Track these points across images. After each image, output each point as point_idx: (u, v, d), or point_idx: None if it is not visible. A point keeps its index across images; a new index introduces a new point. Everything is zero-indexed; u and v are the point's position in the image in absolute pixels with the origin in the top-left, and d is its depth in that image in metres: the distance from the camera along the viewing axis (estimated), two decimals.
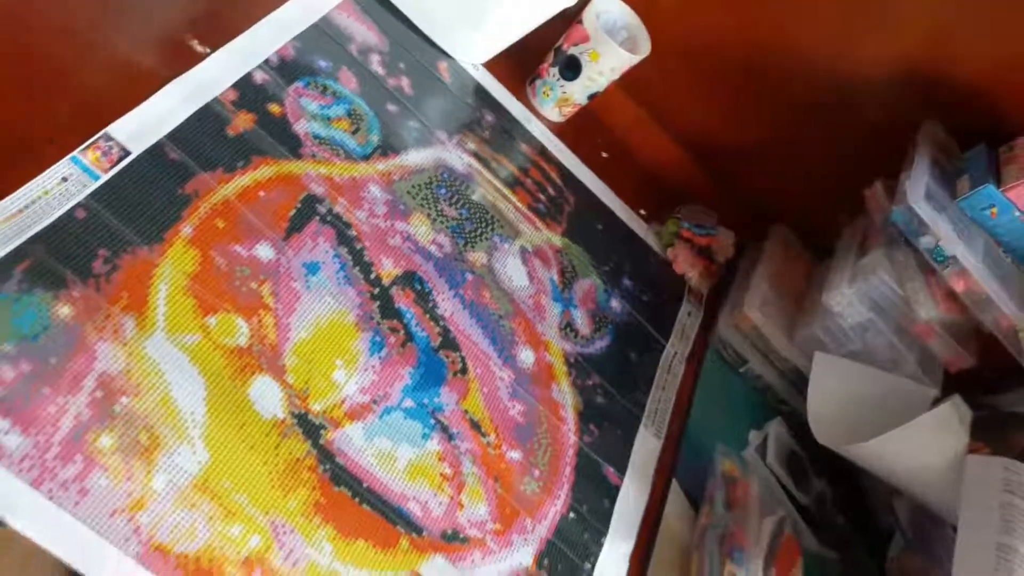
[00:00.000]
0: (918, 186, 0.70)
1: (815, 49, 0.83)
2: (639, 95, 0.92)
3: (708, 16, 0.85)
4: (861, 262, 0.77)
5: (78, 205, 0.51)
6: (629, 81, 0.85)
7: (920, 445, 0.70)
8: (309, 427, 0.54)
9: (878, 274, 0.74)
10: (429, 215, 0.69)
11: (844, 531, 0.81)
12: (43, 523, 0.43)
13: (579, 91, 0.82)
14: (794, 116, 0.89)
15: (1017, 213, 0.69)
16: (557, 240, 0.79)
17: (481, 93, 0.81)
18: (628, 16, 0.81)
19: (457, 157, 0.75)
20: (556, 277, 0.76)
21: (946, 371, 0.78)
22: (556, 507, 0.63)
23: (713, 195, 0.94)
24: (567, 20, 0.80)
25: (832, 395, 0.77)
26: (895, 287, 0.74)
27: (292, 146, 0.63)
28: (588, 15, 0.77)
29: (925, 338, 0.76)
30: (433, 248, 0.68)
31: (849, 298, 0.75)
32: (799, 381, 0.83)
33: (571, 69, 0.80)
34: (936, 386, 0.75)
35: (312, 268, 0.59)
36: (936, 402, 0.74)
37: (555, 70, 0.81)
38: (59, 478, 0.44)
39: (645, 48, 0.79)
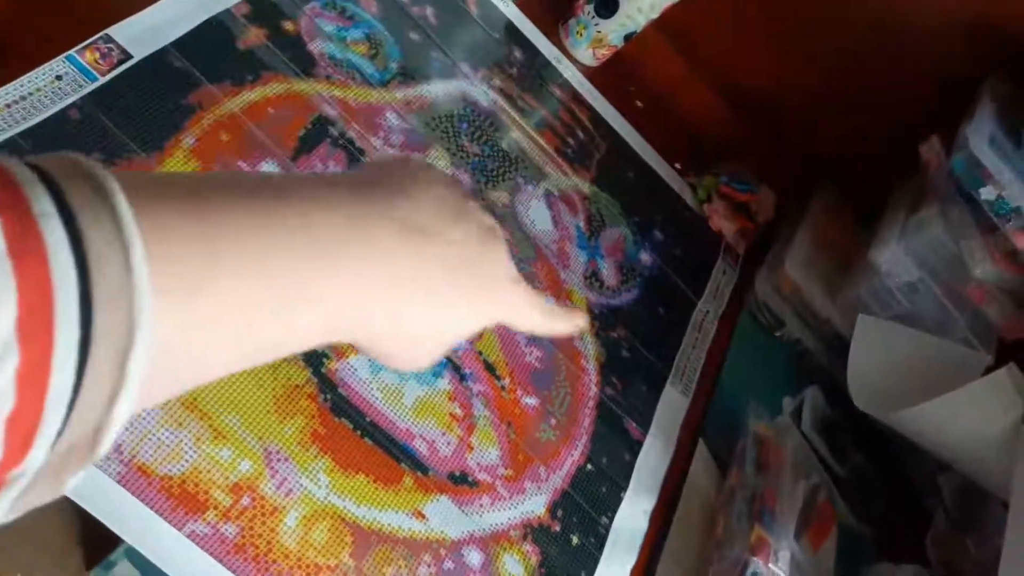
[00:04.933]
0: (981, 132, 0.65)
1: None
2: (678, 42, 0.87)
3: None
4: (913, 217, 0.71)
5: (72, 105, 0.48)
6: (668, 26, 0.80)
7: (971, 413, 0.65)
8: (310, 354, 0.50)
9: (931, 230, 0.68)
10: (449, 149, 0.65)
11: (882, 506, 0.76)
12: None
13: (615, 30, 0.77)
14: (844, 68, 0.83)
15: None
16: (585, 187, 0.74)
17: (510, 29, 0.77)
18: None
19: (482, 92, 0.71)
20: (582, 224, 0.72)
21: (1001, 339, 0.72)
22: (573, 457, 0.59)
23: (754, 152, 0.89)
24: None
25: (875, 360, 0.72)
26: (949, 244, 0.68)
27: (305, 65, 0.59)
28: None
29: (979, 301, 0.70)
30: None
31: (898, 255, 0.70)
32: (839, 347, 0.77)
33: (607, 6, 0.75)
34: (990, 353, 0.70)
35: None
36: (989, 371, 0.68)
37: (590, 7, 0.77)
38: None
39: None
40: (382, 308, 0.28)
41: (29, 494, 0.19)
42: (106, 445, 0.20)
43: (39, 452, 0.18)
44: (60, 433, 0.19)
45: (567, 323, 0.38)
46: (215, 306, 0.22)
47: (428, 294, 0.29)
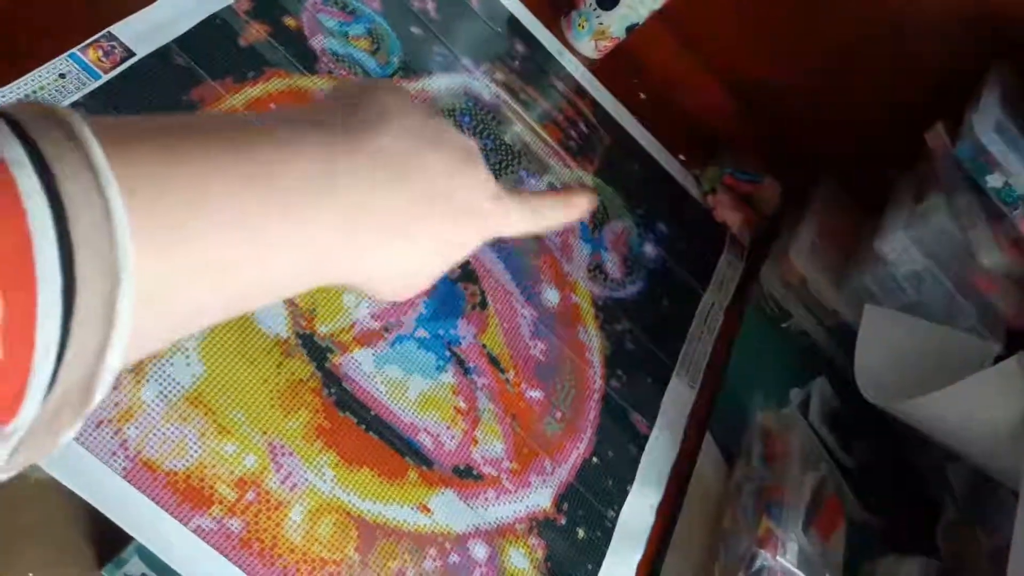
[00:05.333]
0: (987, 119, 0.64)
1: None
2: (682, 33, 0.87)
3: None
4: (919, 206, 0.70)
5: (76, 103, 0.48)
6: (671, 17, 0.80)
7: (981, 402, 0.64)
8: (314, 349, 0.50)
9: (937, 218, 0.68)
10: None
11: (890, 498, 0.75)
12: None
13: (617, 22, 0.76)
14: (847, 59, 0.83)
15: None
16: (589, 179, 0.74)
17: (512, 23, 0.77)
18: None
19: (484, 86, 0.70)
20: (586, 217, 0.71)
21: (1009, 328, 0.72)
22: (579, 450, 0.59)
23: (757, 143, 0.89)
24: None
25: (883, 350, 0.72)
26: (955, 233, 0.68)
27: (307, 61, 0.60)
28: None
29: (987, 291, 0.70)
30: None
31: (904, 244, 0.69)
32: (846, 337, 0.77)
33: None
34: (998, 342, 0.69)
35: None
36: (998, 360, 0.68)
37: None
38: None
39: None
40: (365, 247, 0.28)
41: (23, 451, 0.19)
42: (99, 396, 0.20)
43: (30, 406, 0.18)
44: (51, 386, 0.18)
45: (567, 211, 0.37)
46: (194, 250, 0.22)
47: (409, 229, 0.29)
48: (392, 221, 0.28)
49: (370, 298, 0.32)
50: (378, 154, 0.28)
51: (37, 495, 0.72)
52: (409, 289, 0.32)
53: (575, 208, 0.37)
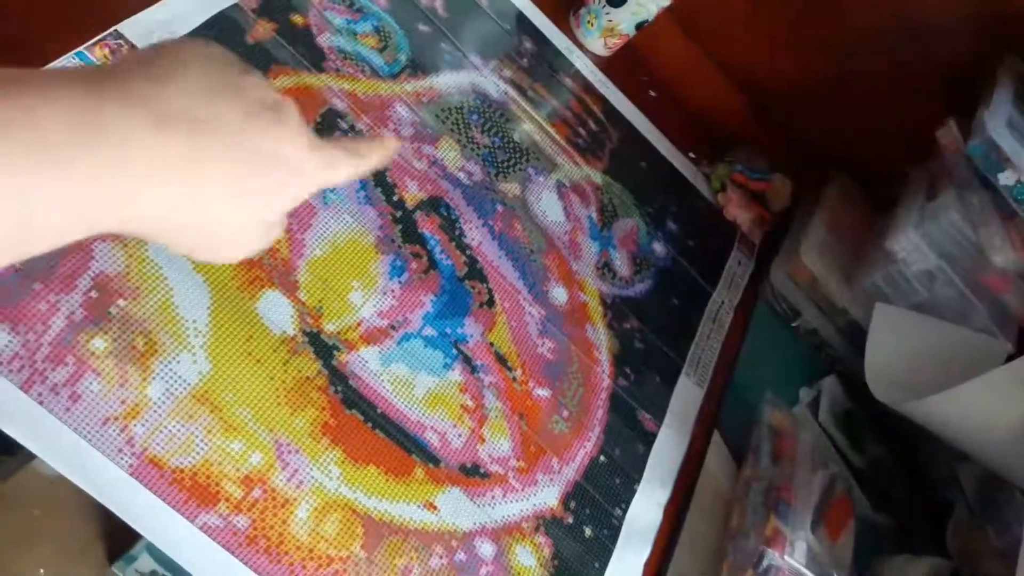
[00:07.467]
0: (999, 115, 0.63)
1: None
2: (691, 30, 0.86)
3: None
4: (930, 204, 0.70)
5: None
6: (681, 14, 0.79)
7: (992, 402, 0.64)
8: (321, 347, 0.50)
9: (948, 216, 0.67)
10: (459, 141, 0.65)
11: (901, 498, 0.75)
12: (33, 430, 0.41)
13: (626, 19, 0.76)
14: (858, 56, 0.82)
15: None
16: (597, 177, 0.74)
17: (521, 20, 0.76)
18: None
19: (492, 84, 0.70)
20: (595, 215, 0.71)
21: (1021, 328, 0.71)
22: (586, 449, 0.59)
23: (768, 140, 0.88)
24: None
25: (893, 349, 0.71)
26: (967, 231, 0.67)
27: (314, 59, 0.59)
28: None
29: (999, 290, 0.69)
30: (462, 175, 0.64)
31: (915, 243, 0.69)
32: (857, 336, 0.77)
33: None
34: (1010, 341, 0.69)
35: None
36: (1010, 359, 0.67)
37: None
38: (49, 381, 0.41)
39: None
40: (147, 201, 0.27)
41: None
42: None
43: None
44: None
45: (382, 149, 0.37)
46: None
47: (201, 181, 0.28)
48: (170, 165, 0.27)
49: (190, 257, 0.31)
50: (161, 103, 0.27)
51: (48, 493, 0.72)
52: (235, 246, 0.31)
53: (388, 144, 0.38)
